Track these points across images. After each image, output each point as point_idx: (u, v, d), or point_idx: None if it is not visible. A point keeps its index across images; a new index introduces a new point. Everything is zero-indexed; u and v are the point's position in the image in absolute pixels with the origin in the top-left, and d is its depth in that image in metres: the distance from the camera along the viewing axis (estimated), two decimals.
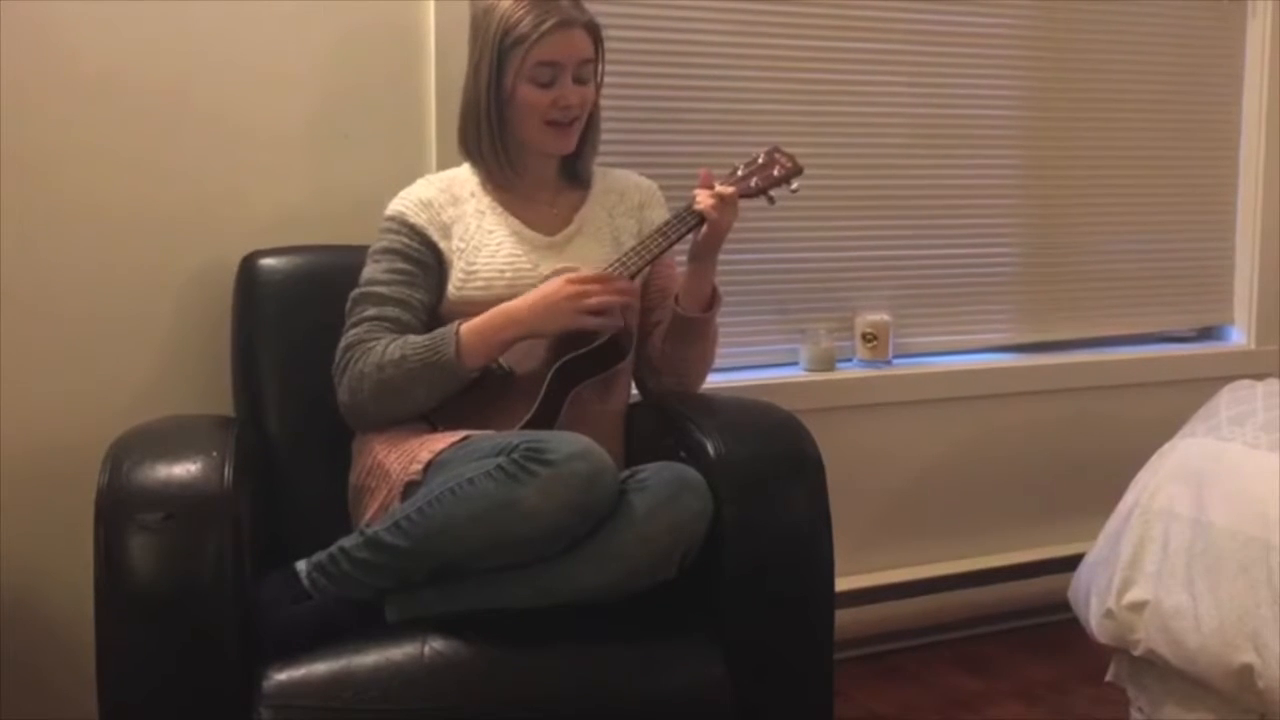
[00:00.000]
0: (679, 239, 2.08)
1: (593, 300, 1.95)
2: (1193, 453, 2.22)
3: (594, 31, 2.08)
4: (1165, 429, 2.38)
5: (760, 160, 2.18)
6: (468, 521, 1.74)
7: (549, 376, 1.98)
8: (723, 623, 1.85)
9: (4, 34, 2.11)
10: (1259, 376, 2.47)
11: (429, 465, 1.87)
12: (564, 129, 2.08)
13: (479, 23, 2.07)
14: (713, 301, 2.14)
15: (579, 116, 2.09)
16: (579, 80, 2.06)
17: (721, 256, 2.13)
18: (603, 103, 2.16)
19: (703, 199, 2.07)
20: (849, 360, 2.86)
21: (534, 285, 2.01)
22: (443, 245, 2.07)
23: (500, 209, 2.11)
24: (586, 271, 2.00)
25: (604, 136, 2.20)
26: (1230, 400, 2.32)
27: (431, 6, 2.37)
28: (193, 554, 1.66)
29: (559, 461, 1.72)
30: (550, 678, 1.76)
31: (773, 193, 2.17)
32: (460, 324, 1.96)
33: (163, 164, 2.23)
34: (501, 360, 1.99)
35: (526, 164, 2.12)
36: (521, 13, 2.01)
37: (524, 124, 2.07)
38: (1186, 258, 3.29)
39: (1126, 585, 2.14)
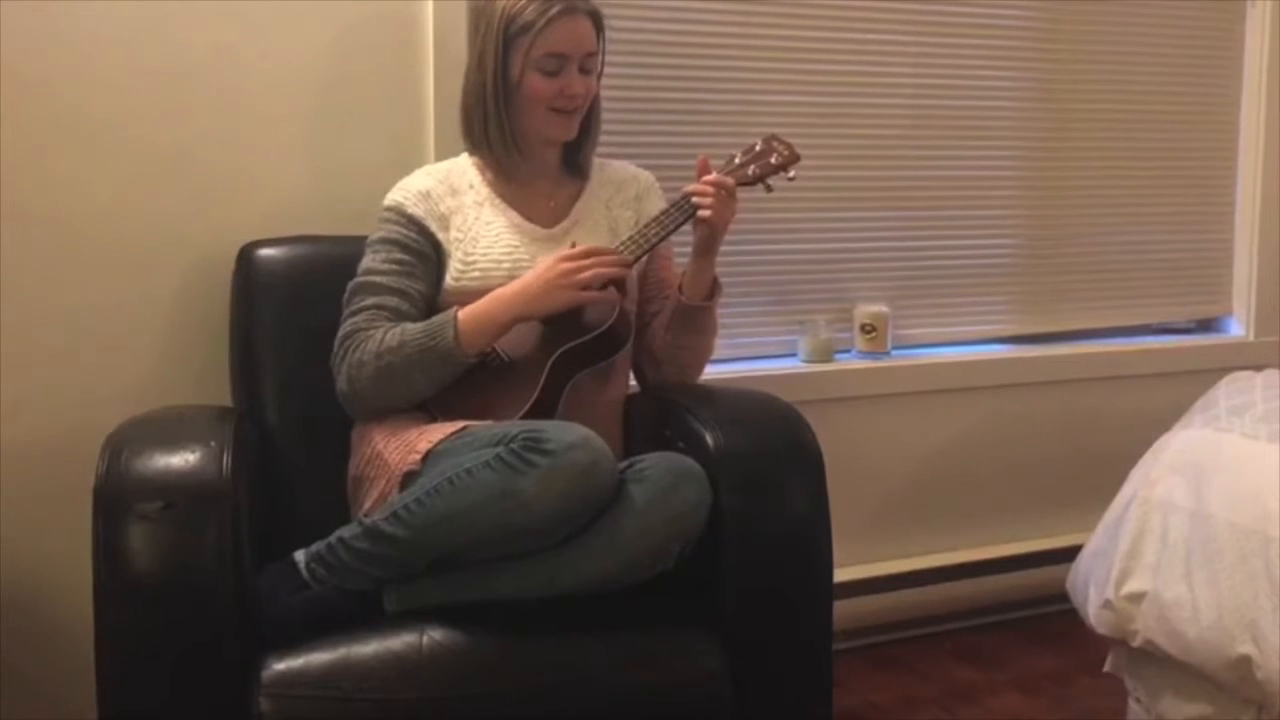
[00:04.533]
0: (676, 228, 2.08)
1: (586, 274, 1.95)
2: (1191, 444, 2.22)
3: (597, 20, 2.09)
4: (1164, 420, 2.38)
5: (758, 148, 2.18)
6: (466, 512, 1.74)
7: (548, 366, 1.98)
8: (722, 613, 1.85)
9: (5, 16, 2.10)
10: (1258, 368, 2.47)
11: (427, 455, 1.87)
12: (568, 116, 2.08)
13: (482, 12, 2.07)
14: (714, 291, 2.14)
15: (581, 107, 2.09)
16: (584, 71, 2.07)
17: (721, 246, 2.13)
18: (602, 93, 2.16)
19: (699, 197, 2.06)
20: (848, 351, 2.86)
21: None
22: (441, 236, 2.07)
23: (499, 200, 2.11)
24: (578, 247, 2.00)
25: (602, 127, 2.19)
26: (1229, 392, 2.32)
27: (430, 1, 2.36)
28: (191, 544, 1.66)
29: (558, 451, 1.72)
30: (549, 668, 1.76)
31: (770, 181, 2.17)
32: (458, 310, 1.96)
33: (161, 154, 2.23)
34: (500, 350, 1.99)
35: (530, 151, 2.11)
36: (525, 0, 2.02)
37: (529, 111, 2.07)
38: (1185, 249, 3.29)
39: (1125, 576, 2.15)
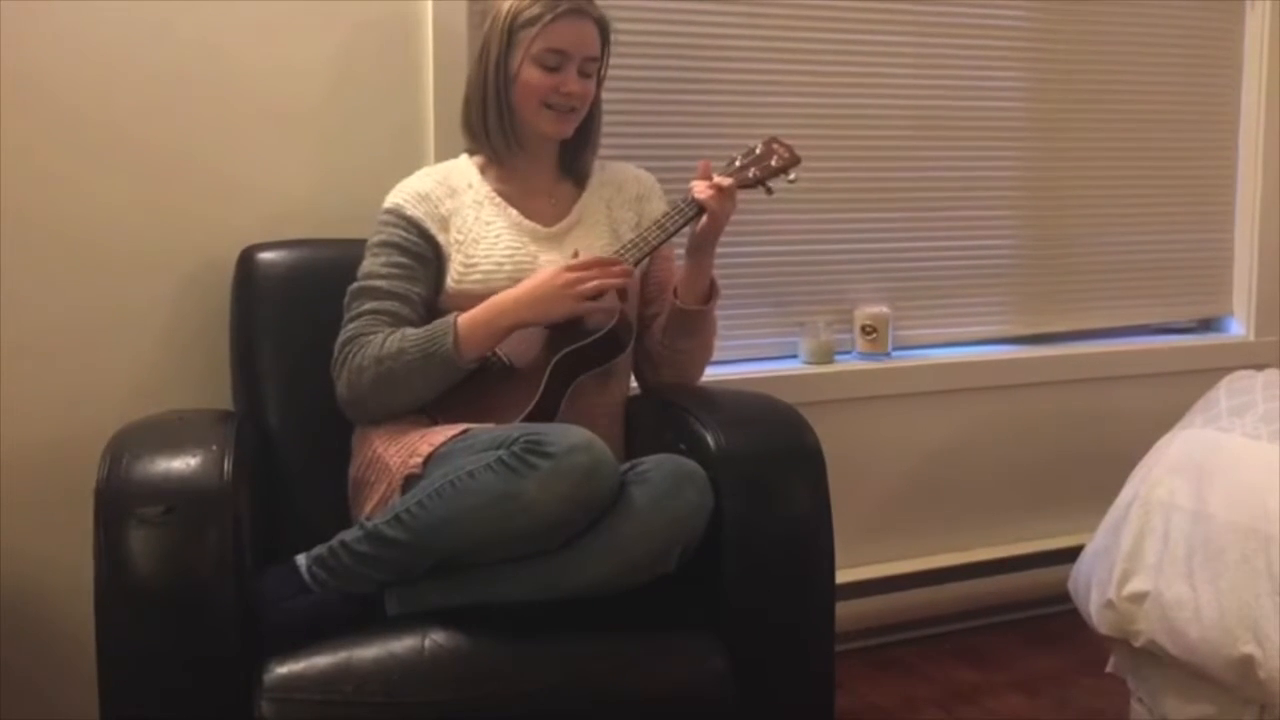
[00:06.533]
0: (677, 230, 2.08)
1: (588, 286, 1.95)
2: (1193, 444, 2.21)
3: (604, 28, 2.09)
4: (1165, 420, 2.38)
5: (758, 151, 2.18)
6: (468, 514, 1.74)
7: (549, 369, 1.98)
8: (723, 616, 1.85)
9: (5, 17, 2.10)
10: (1259, 367, 2.47)
11: (429, 458, 1.87)
12: (562, 114, 2.08)
13: (489, 12, 2.08)
14: (711, 294, 2.14)
15: (577, 108, 2.09)
16: (583, 74, 2.07)
17: (720, 249, 2.13)
18: (603, 94, 2.16)
19: (701, 189, 2.07)
20: (848, 353, 2.86)
21: None
22: (440, 238, 2.06)
23: (499, 199, 2.11)
24: (582, 257, 2.00)
25: (604, 128, 2.19)
26: (1230, 391, 2.32)
27: (430, 3, 2.36)
28: (193, 548, 1.66)
29: (559, 454, 1.72)
30: (551, 671, 1.76)
31: (771, 183, 2.18)
32: (457, 315, 1.96)
33: (162, 157, 2.23)
34: (501, 353, 1.99)
35: (527, 144, 2.11)
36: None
37: (523, 105, 2.07)
38: (1186, 249, 3.29)
39: (1127, 576, 2.15)
